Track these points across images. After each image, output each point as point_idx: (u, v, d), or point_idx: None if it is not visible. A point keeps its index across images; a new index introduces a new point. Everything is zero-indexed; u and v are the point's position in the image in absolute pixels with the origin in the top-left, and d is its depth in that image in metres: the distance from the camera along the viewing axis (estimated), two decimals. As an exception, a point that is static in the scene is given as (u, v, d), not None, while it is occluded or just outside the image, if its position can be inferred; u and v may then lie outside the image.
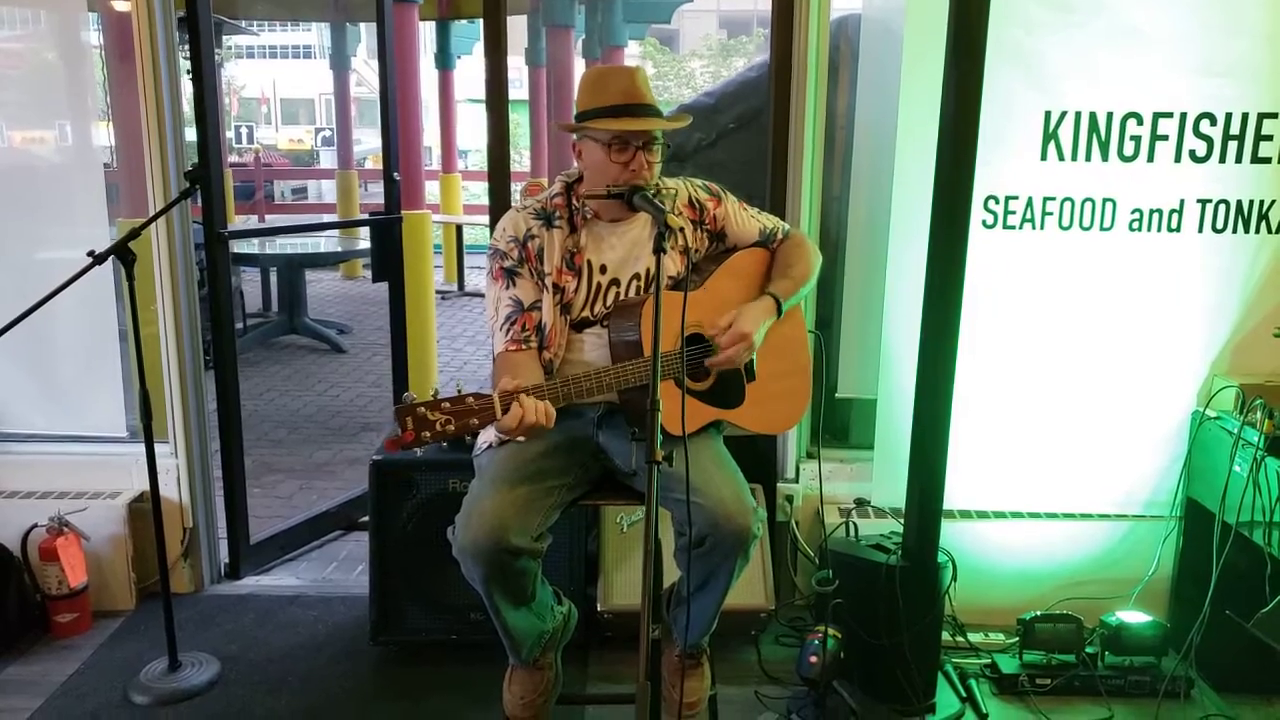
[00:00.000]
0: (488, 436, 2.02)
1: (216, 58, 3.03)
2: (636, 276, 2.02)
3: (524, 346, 1.95)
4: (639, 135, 1.91)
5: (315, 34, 29.36)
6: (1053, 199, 2.62)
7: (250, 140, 19.91)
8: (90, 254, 2.31)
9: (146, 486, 2.86)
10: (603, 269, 2.01)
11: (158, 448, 2.51)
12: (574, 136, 2.00)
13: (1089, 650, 2.58)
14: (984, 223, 2.62)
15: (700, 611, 1.98)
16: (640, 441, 1.53)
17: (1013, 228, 2.64)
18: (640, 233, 2.03)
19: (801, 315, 2.21)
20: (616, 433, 1.99)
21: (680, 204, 2.07)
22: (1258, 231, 2.62)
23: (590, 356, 1.99)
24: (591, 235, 2.03)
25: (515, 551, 1.82)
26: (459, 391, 1.64)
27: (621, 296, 2.02)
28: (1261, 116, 2.56)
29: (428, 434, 1.60)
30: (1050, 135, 2.59)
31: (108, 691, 2.53)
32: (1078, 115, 2.57)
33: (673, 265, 2.01)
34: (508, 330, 1.97)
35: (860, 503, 2.86)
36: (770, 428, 2.18)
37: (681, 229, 1.88)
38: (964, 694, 2.54)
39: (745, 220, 2.14)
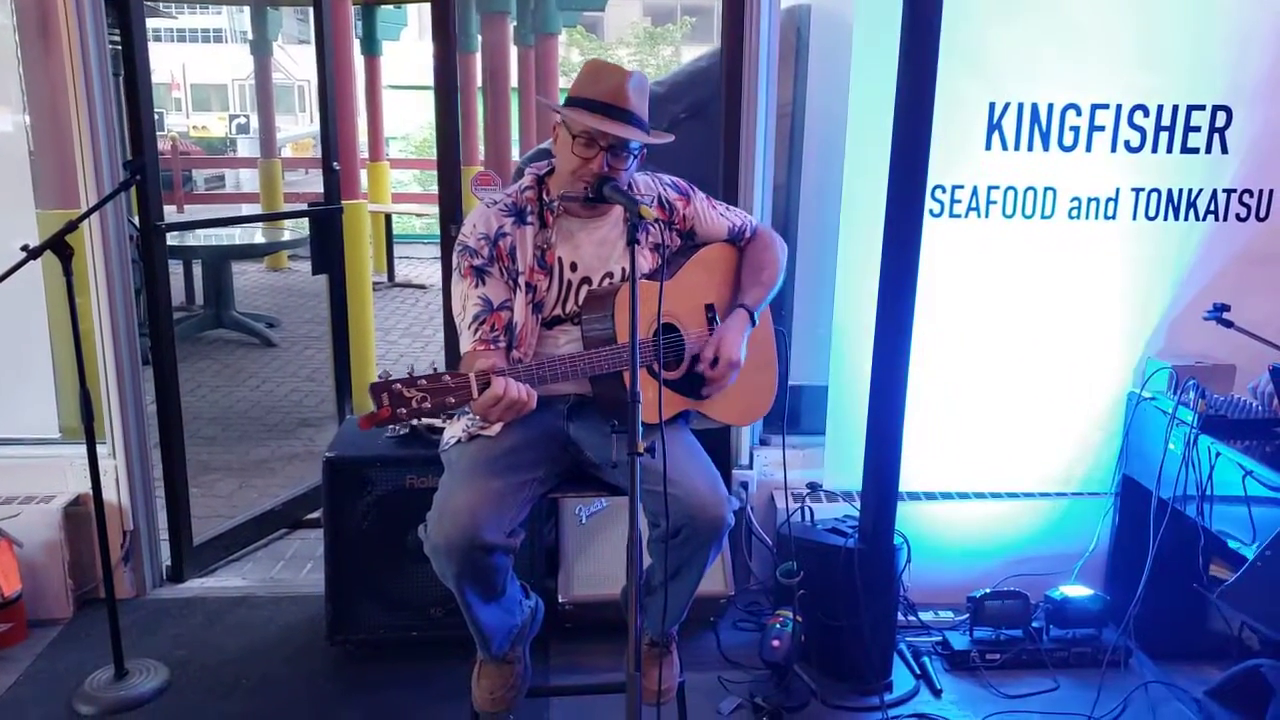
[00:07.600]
0: (455, 431, 2.00)
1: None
2: (609, 275, 2.01)
3: (492, 346, 1.93)
4: (605, 137, 1.90)
5: (226, 17, 28.31)
6: (996, 188, 2.70)
7: (161, 127, 19.17)
8: (24, 248, 2.20)
9: (82, 489, 2.78)
10: (573, 267, 2.00)
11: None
12: (556, 117, 1.98)
13: (1035, 625, 2.68)
14: (931, 211, 2.67)
15: (674, 599, 1.99)
16: (621, 434, 1.53)
17: (959, 216, 2.71)
18: (610, 232, 2.03)
19: (768, 310, 2.23)
20: (588, 424, 1.99)
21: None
22: (1187, 219, 2.74)
23: (562, 350, 1.97)
24: (562, 232, 2.01)
25: (489, 548, 1.80)
26: (434, 370, 1.61)
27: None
28: (1190, 108, 2.67)
29: (403, 410, 1.57)
30: (994, 126, 2.66)
31: (50, 703, 2.43)
32: (1020, 106, 2.65)
33: (645, 262, 2.01)
34: (476, 330, 1.94)
35: (813, 487, 2.91)
36: (739, 419, 2.20)
37: (657, 220, 1.89)
38: (918, 671, 2.62)
39: (714, 219, 2.15)
